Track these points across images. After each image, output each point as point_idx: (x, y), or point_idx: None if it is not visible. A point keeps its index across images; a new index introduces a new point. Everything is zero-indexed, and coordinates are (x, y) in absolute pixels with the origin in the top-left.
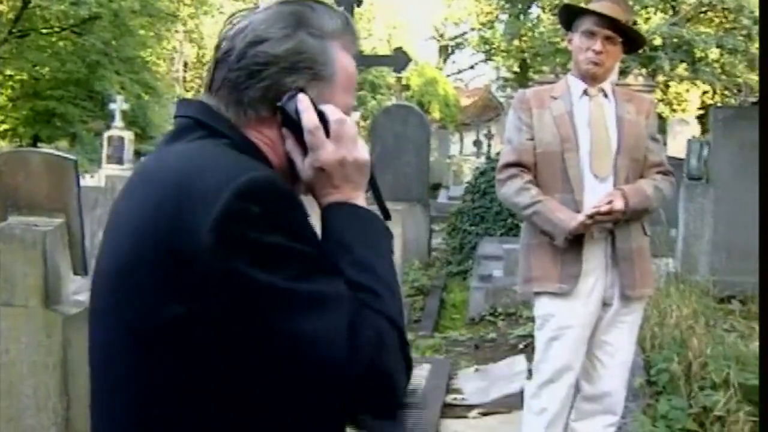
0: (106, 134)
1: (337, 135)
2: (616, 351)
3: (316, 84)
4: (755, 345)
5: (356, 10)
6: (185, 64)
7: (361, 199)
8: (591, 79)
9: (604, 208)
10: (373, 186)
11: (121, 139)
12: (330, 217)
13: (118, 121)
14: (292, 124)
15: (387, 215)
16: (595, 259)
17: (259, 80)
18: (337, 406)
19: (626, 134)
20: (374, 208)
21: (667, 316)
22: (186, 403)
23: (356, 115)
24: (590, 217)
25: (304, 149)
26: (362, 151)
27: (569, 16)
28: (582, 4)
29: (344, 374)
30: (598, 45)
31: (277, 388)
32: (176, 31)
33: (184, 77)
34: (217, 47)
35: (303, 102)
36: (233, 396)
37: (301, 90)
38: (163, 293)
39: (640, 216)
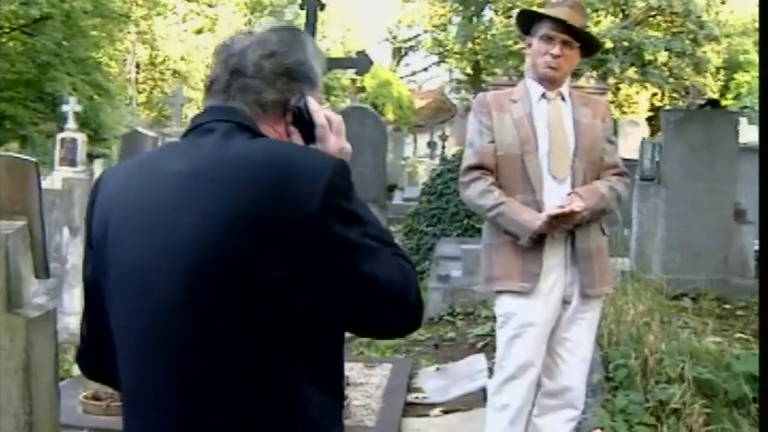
0: (59, 136)
1: (338, 130)
2: (576, 347)
3: (311, 89)
4: (708, 340)
5: (319, 13)
6: (137, 66)
7: None
8: (549, 82)
9: (568, 209)
10: None
11: (74, 140)
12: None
13: (71, 123)
14: (302, 121)
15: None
16: (555, 258)
17: (274, 87)
18: (396, 326)
19: (583, 137)
20: None
21: (624, 313)
22: (294, 330)
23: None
24: (554, 217)
25: (307, 140)
26: (348, 145)
27: (527, 21)
28: (535, 8)
29: (408, 301)
30: (556, 49)
31: (356, 314)
32: (128, 32)
33: (137, 78)
34: (225, 60)
35: (313, 104)
36: (323, 321)
37: (303, 94)
38: (269, 254)
39: (598, 217)
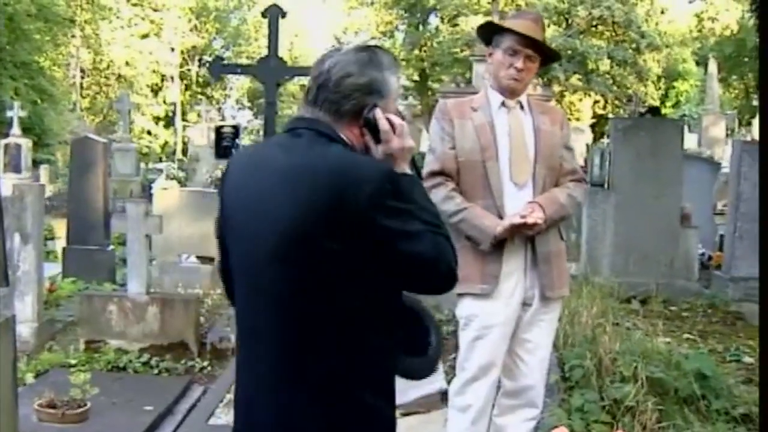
0: (2, 142)
1: (400, 133)
2: (536, 348)
3: (381, 100)
4: (659, 340)
5: (281, 20)
6: (82, 70)
7: (408, 168)
8: (510, 93)
9: (531, 220)
10: (413, 162)
11: (18, 146)
12: (401, 182)
13: (16, 129)
14: (371, 127)
15: (420, 176)
16: (515, 261)
17: (350, 100)
18: (432, 288)
19: (543, 144)
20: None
21: (578, 315)
22: (353, 293)
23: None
24: (516, 226)
25: (377, 141)
26: (409, 140)
27: (489, 32)
28: (496, 20)
29: (437, 269)
30: (520, 63)
31: (399, 275)
32: (73, 36)
33: (81, 83)
34: (316, 77)
35: (378, 113)
36: (375, 289)
37: (375, 105)
38: (333, 234)
39: (557, 223)
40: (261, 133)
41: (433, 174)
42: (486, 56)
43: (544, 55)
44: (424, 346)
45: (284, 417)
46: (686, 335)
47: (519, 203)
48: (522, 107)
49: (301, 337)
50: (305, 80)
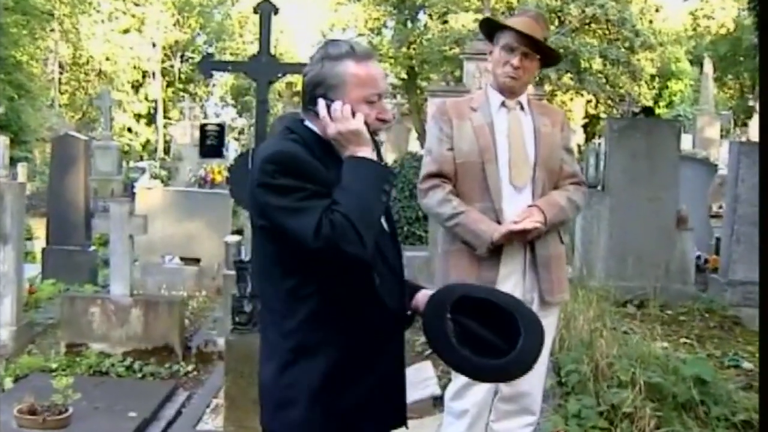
0: None
1: (334, 117)
2: None
3: (333, 90)
4: (656, 345)
5: (272, 17)
6: (61, 66)
7: (363, 152)
8: (508, 92)
9: (529, 225)
10: (375, 144)
11: None
12: (343, 166)
13: None
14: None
15: (382, 161)
16: (513, 264)
17: (307, 95)
18: (314, 259)
19: (543, 146)
20: None
21: (574, 319)
22: (270, 251)
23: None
24: (514, 233)
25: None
26: (353, 124)
27: (490, 29)
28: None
29: (311, 245)
30: (516, 60)
31: (292, 250)
32: (51, 30)
33: (60, 79)
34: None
35: (320, 103)
36: (280, 251)
37: (323, 96)
38: (255, 214)
39: (557, 226)
40: (250, 131)
41: (430, 176)
42: (487, 54)
43: (544, 55)
44: (503, 351)
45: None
46: (683, 340)
47: (518, 206)
48: (522, 108)
49: (261, 304)
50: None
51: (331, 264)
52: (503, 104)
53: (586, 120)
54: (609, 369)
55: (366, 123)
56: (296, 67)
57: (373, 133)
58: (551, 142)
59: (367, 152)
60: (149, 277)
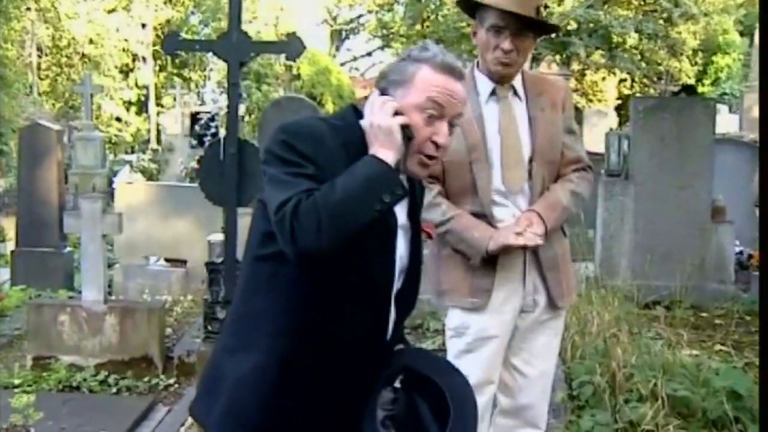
0: None
1: (373, 107)
2: (536, 359)
3: (396, 87)
4: (683, 353)
5: None
6: (39, 49)
7: (384, 154)
8: (501, 79)
9: (530, 243)
10: (411, 184)
11: None
12: (297, 138)
13: None
14: None
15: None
16: (511, 268)
17: (376, 85)
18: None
19: (540, 137)
20: None
21: (588, 324)
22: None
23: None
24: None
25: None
26: (386, 120)
27: (470, 7)
28: None
29: (271, 218)
30: (507, 43)
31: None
32: (27, 9)
33: (39, 63)
34: None
35: (374, 93)
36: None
37: (383, 89)
38: None
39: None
40: (250, 119)
41: None
42: (471, 35)
43: (538, 28)
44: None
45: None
46: (718, 347)
47: (512, 211)
48: (516, 93)
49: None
50: (269, 58)
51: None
52: (493, 92)
53: (620, 101)
54: (627, 380)
55: (408, 134)
56: (270, 46)
57: (426, 154)
58: (551, 129)
59: (388, 156)
60: (130, 280)
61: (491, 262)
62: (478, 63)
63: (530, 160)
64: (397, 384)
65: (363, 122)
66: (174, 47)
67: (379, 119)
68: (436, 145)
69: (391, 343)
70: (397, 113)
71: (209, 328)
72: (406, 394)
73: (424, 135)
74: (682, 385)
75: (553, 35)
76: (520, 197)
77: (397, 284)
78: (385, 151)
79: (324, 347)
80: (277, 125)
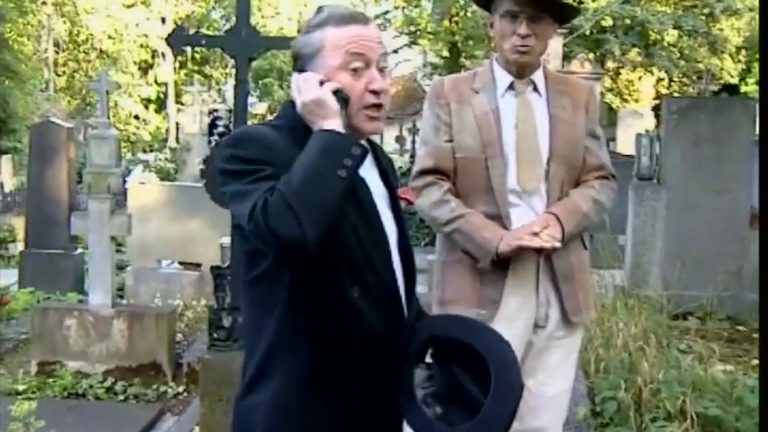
0: None
1: (296, 88)
2: (550, 379)
3: (309, 61)
4: (716, 369)
5: None
6: (56, 44)
7: (330, 125)
8: (519, 69)
9: (547, 244)
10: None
11: None
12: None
13: None
14: None
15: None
16: (523, 277)
17: (293, 70)
18: (252, 250)
19: (560, 137)
20: None
21: (614, 336)
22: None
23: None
24: (524, 248)
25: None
26: (315, 92)
27: None
28: None
29: (246, 230)
30: (523, 28)
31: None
32: (44, 3)
33: (55, 59)
34: None
35: (293, 77)
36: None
37: (301, 69)
38: None
39: (579, 234)
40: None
41: (425, 172)
42: (489, 27)
43: (556, 12)
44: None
45: None
46: (755, 361)
47: (528, 213)
48: (536, 88)
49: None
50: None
51: (289, 267)
52: (511, 86)
53: (657, 101)
54: (654, 397)
55: (342, 96)
56: (281, 42)
57: (368, 107)
58: (572, 131)
59: (331, 124)
60: (142, 284)
61: (501, 269)
62: (497, 57)
63: (548, 161)
64: (428, 359)
65: (297, 108)
66: (181, 42)
67: (307, 95)
68: (376, 93)
69: (410, 318)
70: (322, 82)
71: (214, 335)
72: (440, 366)
73: (358, 90)
74: (713, 403)
75: (587, 32)
76: (536, 199)
77: (395, 254)
78: (327, 122)
79: (345, 348)
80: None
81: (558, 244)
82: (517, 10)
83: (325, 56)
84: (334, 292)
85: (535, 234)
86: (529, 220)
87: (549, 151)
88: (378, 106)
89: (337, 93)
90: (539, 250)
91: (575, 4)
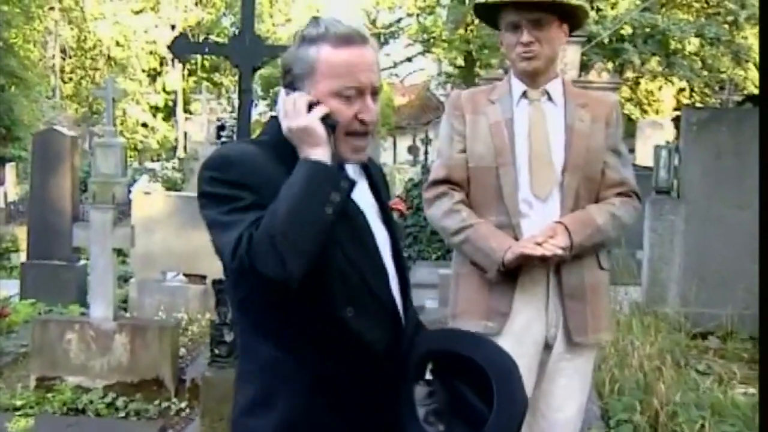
0: None
1: (283, 110)
2: (562, 403)
3: (299, 79)
4: (736, 392)
5: None
6: (63, 50)
7: (318, 154)
8: (530, 77)
9: (548, 252)
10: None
11: None
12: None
13: None
14: None
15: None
16: (532, 291)
17: (282, 82)
18: (236, 278)
19: (575, 146)
20: None
21: (629, 355)
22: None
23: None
24: (528, 257)
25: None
26: (303, 120)
27: (490, 14)
28: None
29: (229, 267)
30: (524, 36)
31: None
32: (51, 9)
33: (62, 66)
34: None
35: (280, 94)
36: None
37: (290, 85)
38: None
39: (593, 250)
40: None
41: (438, 182)
42: (500, 45)
43: (563, 13)
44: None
45: None
46: None
47: (540, 223)
48: (550, 98)
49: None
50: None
51: (286, 294)
52: (524, 95)
53: (677, 112)
54: (671, 420)
55: (328, 120)
56: (284, 50)
57: (354, 134)
58: (588, 142)
59: (319, 154)
60: (146, 296)
61: (510, 281)
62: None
63: (562, 171)
64: (428, 375)
65: (283, 130)
66: (183, 50)
67: (296, 121)
68: (364, 123)
69: (408, 332)
70: (311, 105)
71: (216, 351)
72: (441, 381)
73: (347, 116)
74: (734, 427)
75: (606, 41)
76: (550, 209)
77: (390, 268)
78: (315, 150)
79: (343, 370)
80: (204, 164)
81: (561, 252)
82: (517, 20)
83: (318, 80)
84: (326, 313)
85: (539, 244)
86: (540, 229)
87: (563, 161)
88: (365, 135)
89: (325, 119)
90: (545, 261)
91: (590, 9)
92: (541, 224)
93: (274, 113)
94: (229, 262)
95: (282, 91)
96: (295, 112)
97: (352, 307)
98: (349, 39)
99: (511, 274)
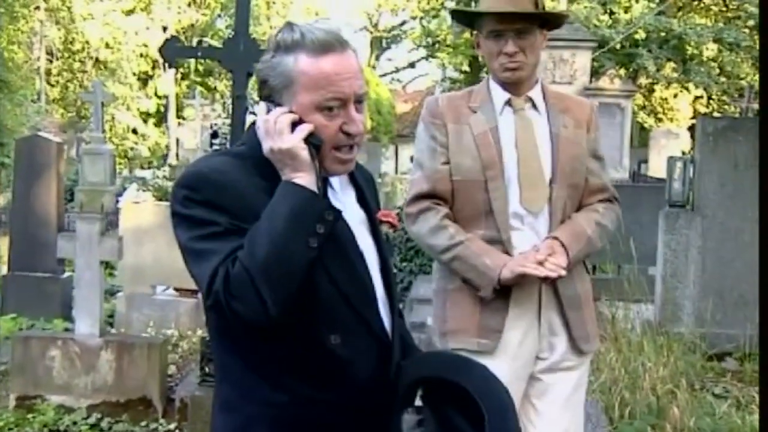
0: None
1: (264, 131)
2: (557, 415)
3: (277, 92)
4: (755, 417)
5: None
6: (49, 53)
7: (301, 178)
8: (514, 87)
9: (553, 274)
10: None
11: None
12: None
13: None
14: None
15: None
16: (525, 306)
17: (259, 94)
18: (213, 312)
19: (563, 156)
20: None
21: (640, 377)
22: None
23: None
24: (528, 276)
25: None
26: (286, 142)
27: (468, 16)
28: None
29: (205, 301)
30: (509, 46)
31: None
32: (36, 8)
33: (48, 68)
34: None
35: (258, 108)
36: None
37: (267, 98)
38: None
39: (583, 260)
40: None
41: (420, 197)
42: (475, 47)
43: (544, 21)
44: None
45: None
46: None
47: (530, 236)
48: (534, 105)
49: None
50: None
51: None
52: (508, 103)
53: (694, 121)
54: None
55: (312, 139)
56: None
57: (340, 148)
58: (574, 150)
59: (304, 179)
60: (134, 311)
61: (503, 297)
62: (492, 75)
63: (551, 182)
64: (418, 402)
65: (264, 150)
66: (174, 54)
67: (278, 143)
68: (349, 135)
69: (397, 356)
70: (294, 124)
71: (206, 369)
72: (431, 408)
73: (332, 132)
74: None
75: (618, 46)
76: (539, 222)
77: (379, 287)
78: (299, 174)
79: (327, 399)
80: (177, 183)
81: (563, 273)
82: (501, 29)
83: (297, 92)
84: (309, 341)
85: (540, 263)
86: (532, 244)
87: (552, 171)
88: (351, 147)
89: (309, 137)
90: (543, 278)
91: (603, 13)
92: (531, 237)
93: (255, 118)
94: (204, 296)
95: (262, 105)
96: (276, 132)
97: (338, 335)
98: (328, 46)
99: (504, 290)
